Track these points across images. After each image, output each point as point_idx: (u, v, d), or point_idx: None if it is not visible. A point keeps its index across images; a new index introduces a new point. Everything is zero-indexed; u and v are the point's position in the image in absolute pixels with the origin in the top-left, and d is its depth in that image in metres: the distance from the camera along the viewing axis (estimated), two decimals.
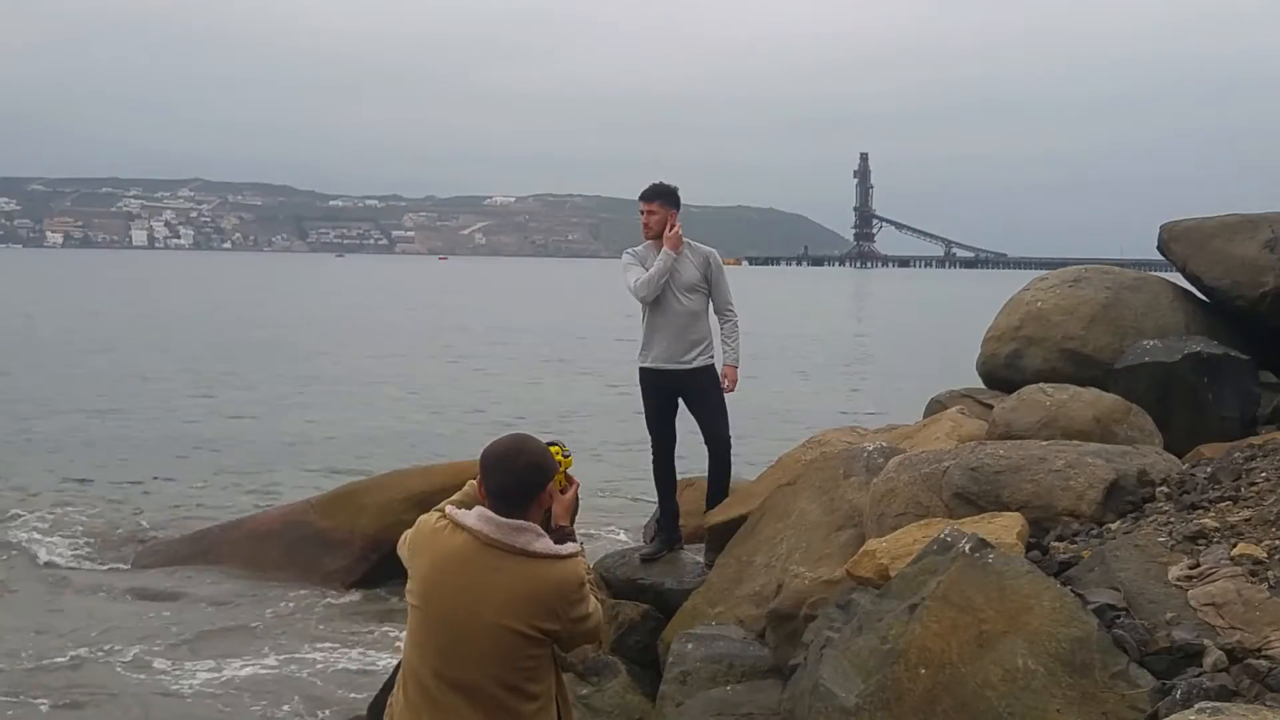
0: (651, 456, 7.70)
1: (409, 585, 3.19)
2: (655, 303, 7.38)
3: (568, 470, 3.33)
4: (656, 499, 7.80)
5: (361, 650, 8.15)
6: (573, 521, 3.33)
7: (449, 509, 3.22)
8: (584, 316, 48.51)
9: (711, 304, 7.49)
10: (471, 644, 3.10)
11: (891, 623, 4.33)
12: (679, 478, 7.97)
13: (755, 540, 6.78)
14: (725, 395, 7.50)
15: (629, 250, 7.57)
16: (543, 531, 3.17)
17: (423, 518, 3.27)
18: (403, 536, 3.31)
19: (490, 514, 3.14)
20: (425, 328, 42.18)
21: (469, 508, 3.21)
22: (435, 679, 3.13)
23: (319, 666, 7.84)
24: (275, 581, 9.48)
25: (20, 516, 11.65)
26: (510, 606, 3.08)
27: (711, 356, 7.46)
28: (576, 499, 3.36)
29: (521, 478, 3.16)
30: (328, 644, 8.26)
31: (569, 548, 3.20)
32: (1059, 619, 4.00)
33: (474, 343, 35.49)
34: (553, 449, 3.29)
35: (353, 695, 7.33)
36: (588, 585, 3.24)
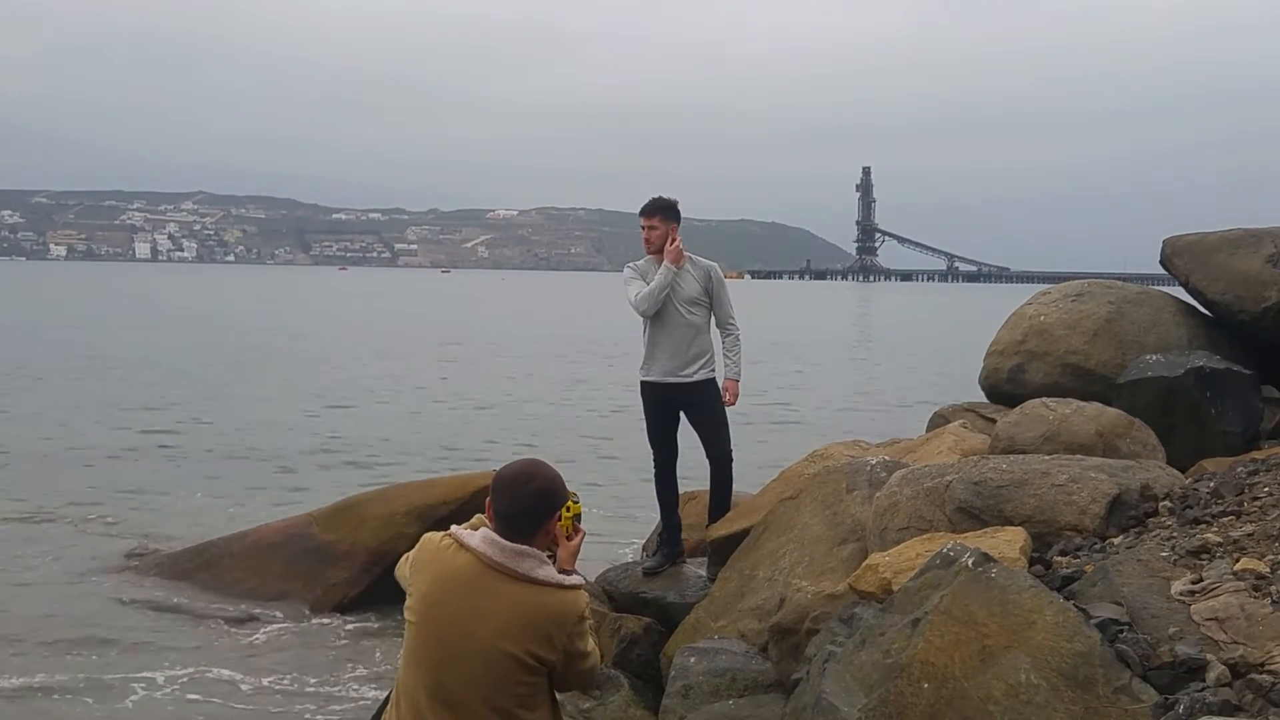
0: (653, 470, 7.70)
1: (408, 601, 3.18)
2: (656, 316, 7.40)
3: (577, 517, 3.30)
4: (658, 513, 7.80)
5: (361, 667, 8.13)
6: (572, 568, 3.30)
7: (454, 529, 3.22)
8: (589, 329, 48.52)
9: (714, 318, 7.52)
10: (465, 665, 3.09)
11: (894, 637, 4.33)
12: (682, 491, 7.97)
13: (758, 554, 6.78)
14: (727, 409, 7.52)
15: (630, 264, 7.60)
16: (546, 559, 3.16)
17: (427, 535, 3.26)
18: (402, 558, 3.30)
19: (495, 537, 3.13)
20: (434, 340, 42.18)
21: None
22: (428, 697, 3.12)
23: (316, 682, 7.81)
24: (277, 594, 9.46)
25: (24, 528, 11.64)
26: (507, 630, 3.07)
27: (713, 370, 7.48)
28: (579, 548, 3.33)
29: (530, 503, 3.15)
30: (327, 660, 8.24)
31: (572, 579, 3.18)
32: (1062, 634, 4.00)
33: (483, 355, 35.49)
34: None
35: (350, 713, 7.32)
36: (588, 622, 3.21)
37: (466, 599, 3.09)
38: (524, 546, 3.12)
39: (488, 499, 3.20)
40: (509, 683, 3.10)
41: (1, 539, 11.23)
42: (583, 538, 3.33)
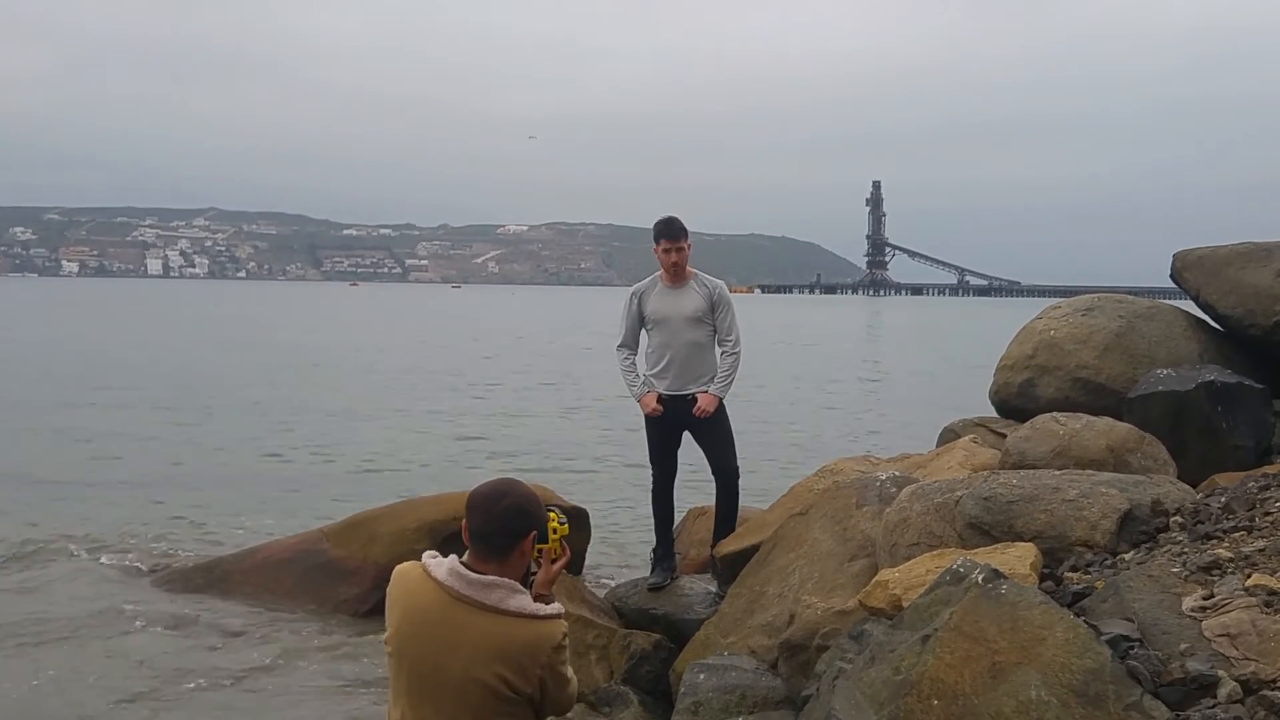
0: (650, 486, 7.70)
1: (385, 635, 3.16)
2: (660, 332, 7.42)
3: (564, 539, 3.25)
4: (654, 529, 7.79)
5: (370, 685, 8.11)
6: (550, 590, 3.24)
7: (426, 558, 3.17)
8: (595, 343, 48.55)
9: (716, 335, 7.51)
10: (441, 698, 3.07)
11: (904, 654, 4.31)
12: (691, 506, 7.96)
13: (768, 570, 6.77)
14: (718, 420, 7.46)
15: (634, 289, 7.62)
16: (519, 587, 3.10)
17: (399, 568, 3.22)
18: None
19: (460, 569, 3.08)
20: (448, 355, 42.25)
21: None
22: None
23: (325, 699, 7.80)
24: (287, 611, 9.45)
25: (33, 546, 11.66)
26: (476, 661, 3.03)
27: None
28: (561, 571, 3.27)
29: (503, 522, 3.10)
30: (336, 678, 8.22)
31: (549, 608, 3.11)
32: (1073, 650, 3.98)
33: (494, 370, 35.53)
34: (549, 515, 3.21)
35: None
36: (565, 651, 3.14)
37: (436, 632, 3.06)
38: (493, 577, 3.06)
39: (464, 519, 3.16)
40: (485, 714, 3.06)
41: (13, 556, 11.25)
42: (567, 560, 3.28)
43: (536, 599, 3.15)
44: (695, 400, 7.34)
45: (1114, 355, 8.09)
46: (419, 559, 3.24)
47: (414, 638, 3.09)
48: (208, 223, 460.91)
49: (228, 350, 42.92)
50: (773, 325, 70.62)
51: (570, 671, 3.18)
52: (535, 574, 3.23)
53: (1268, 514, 5.06)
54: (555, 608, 3.14)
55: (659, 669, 6.89)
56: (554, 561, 3.23)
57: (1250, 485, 5.54)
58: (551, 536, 3.21)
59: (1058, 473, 5.86)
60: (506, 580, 3.08)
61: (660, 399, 7.40)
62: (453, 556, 3.15)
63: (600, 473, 16.82)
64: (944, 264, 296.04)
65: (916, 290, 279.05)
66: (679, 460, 7.68)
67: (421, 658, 3.08)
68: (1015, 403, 8.45)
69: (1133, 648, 4.07)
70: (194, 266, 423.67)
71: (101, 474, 16.13)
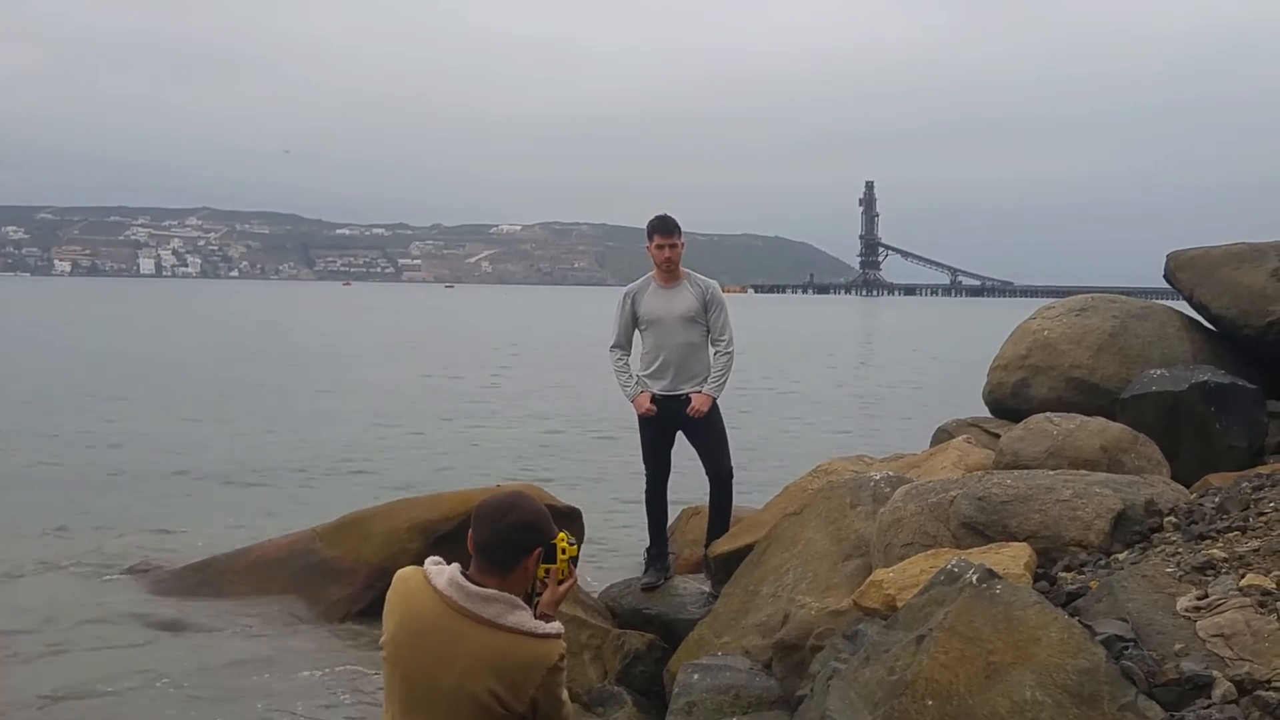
0: (645, 487, 7.69)
1: (381, 640, 3.14)
2: (654, 333, 7.42)
3: (573, 560, 3.19)
4: (648, 529, 7.78)
5: (362, 685, 8.09)
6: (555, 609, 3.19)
7: (428, 564, 3.13)
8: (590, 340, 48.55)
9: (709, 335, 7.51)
10: (433, 708, 3.03)
11: (899, 654, 4.31)
12: (687, 505, 7.93)
13: (762, 570, 6.77)
14: (712, 420, 7.45)
15: (627, 290, 7.62)
16: (520, 603, 3.05)
17: (400, 573, 3.18)
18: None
19: (460, 580, 3.04)
20: (445, 354, 42.22)
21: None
22: None
23: (317, 700, 7.78)
24: (280, 611, 9.43)
25: (22, 546, 11.63)
26: (470, 674, 2.99)
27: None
28: (566, 593, 3.22)
29: (507, 537, 3.06)
30: (329, 680, 8.19)
31: (549, 627, 3.06)
32: (1067, 650, 3.98)
33: (490, 370, 35.50)
34: (559, 535, 3.16)
35: None
36: (562, 674, 3.07)
37: (432, 641, 3.02)
38: (493, 591, 3.02)
39: (469, 529, 3.12)
40: None
41: (4, 554, 11.21)
42: (574, 583, 3.23)
43: (539, 618, 3.09)
44: (689, 400, 7.34)
45: (1108, 355, 8.10)
46: (411, 559, 3.20)
47: (410, 646, 3.06)
48: (200, 222, 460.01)
49: (222, 349, 42.85)
50: (766, 325, 70.63)
51: (566, 695, 3.13)
52: (540, 593, 3.17)
53: (1261, 514, 5.07)
54: (555, 627, 3.08)
55: (653, 669, 6.88)
56: (561, 582, 3.17)
57: (1244, 485, 5.55)
58: (560, 557, 3.15)
59: (1052, 473, 5.86)
60: (506, 595, 3.04)
61: (654, 399, 7.40)
62: (455, 565, 3.11)
63: (593, 473, 16.80)
64: (937, 264, 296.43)
65: (909, 290, 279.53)
66: (672, 460, 7.67)
67: (416, 666, 3.04)
68: (1009, 403, 8.45)
69: (1127, 648, 4.07)
70: (186, 266, 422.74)
71: (92, 472, 16.10)
